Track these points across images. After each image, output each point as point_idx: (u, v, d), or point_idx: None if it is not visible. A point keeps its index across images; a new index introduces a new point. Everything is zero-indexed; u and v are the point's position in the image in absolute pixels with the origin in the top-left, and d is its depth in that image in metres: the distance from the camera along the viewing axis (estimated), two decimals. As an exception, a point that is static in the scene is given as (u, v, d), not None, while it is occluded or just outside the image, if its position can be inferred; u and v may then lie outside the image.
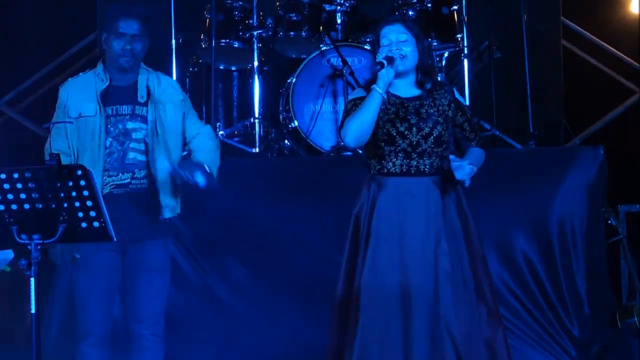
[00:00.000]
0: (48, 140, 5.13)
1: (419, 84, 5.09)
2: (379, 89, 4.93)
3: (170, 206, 5.08)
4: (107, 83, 5.08)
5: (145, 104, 5.09)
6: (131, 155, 5.05)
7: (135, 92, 5.08)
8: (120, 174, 5.03)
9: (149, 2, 8.24)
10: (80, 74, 5.21)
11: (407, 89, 5.09)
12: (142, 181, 5.06)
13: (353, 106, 5.05)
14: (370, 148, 5.10)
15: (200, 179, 4.97)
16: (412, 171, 5.02)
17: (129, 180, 5.04)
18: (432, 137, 5.01)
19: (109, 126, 5.04)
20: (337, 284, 5.11)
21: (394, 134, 5.02)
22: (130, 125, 5.06)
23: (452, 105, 5.10)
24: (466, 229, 5.06)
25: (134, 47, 5.04)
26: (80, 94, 5.07)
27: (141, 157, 5.07)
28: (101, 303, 5.03)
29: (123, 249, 5.04)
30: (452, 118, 5.10)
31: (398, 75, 5.03)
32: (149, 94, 5.10)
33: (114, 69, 5.10)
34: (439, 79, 5.30)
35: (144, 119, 5.08)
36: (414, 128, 5.01)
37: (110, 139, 5.04)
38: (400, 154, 5.01)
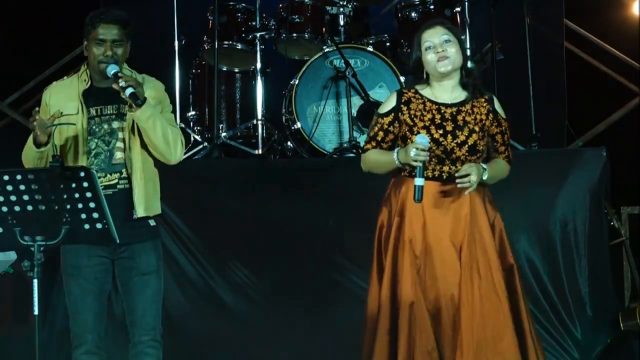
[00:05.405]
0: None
1: (463, 85, 5.04)
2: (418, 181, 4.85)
3: (144, 205, 4.96)
4: (89, 84, 5.02)
5: None
6: (118, 155, 4.98)
7: (119, 92, 4.96)
8: (108, 175, 4.96)
9: (152, 4, 8.30)
10: (65, 77, 5.18)
11: (448, 92, 5.03)
12: (125, 181, 4.98)
13: (379, 130, 5.03)
14: None
15: (129, 91, 4.82)
16: (444, 176, 4.96)
17: (116, 180, 4.97)
18: (466, 145, 4.95)
19: (93, 127, 4.98)
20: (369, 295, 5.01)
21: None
22: (116, 124, 4.99)
23: (491, 115, 5.03)
24: (492, 236, 4.97)
25: (114, 52, 4.98)
26: (62, 96, 5.04)
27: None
28: (93, 310, 4.96)
29: (113, 253, 4.98)
30: (489, 128, 5.04)
31: (443, 76, 5.00)
32: None
33: (96, 74, 5.03)
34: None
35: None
36: (449, 135, 4.96)
37: (96, 140, 4.98)
38: (433, 160, 4.92)
